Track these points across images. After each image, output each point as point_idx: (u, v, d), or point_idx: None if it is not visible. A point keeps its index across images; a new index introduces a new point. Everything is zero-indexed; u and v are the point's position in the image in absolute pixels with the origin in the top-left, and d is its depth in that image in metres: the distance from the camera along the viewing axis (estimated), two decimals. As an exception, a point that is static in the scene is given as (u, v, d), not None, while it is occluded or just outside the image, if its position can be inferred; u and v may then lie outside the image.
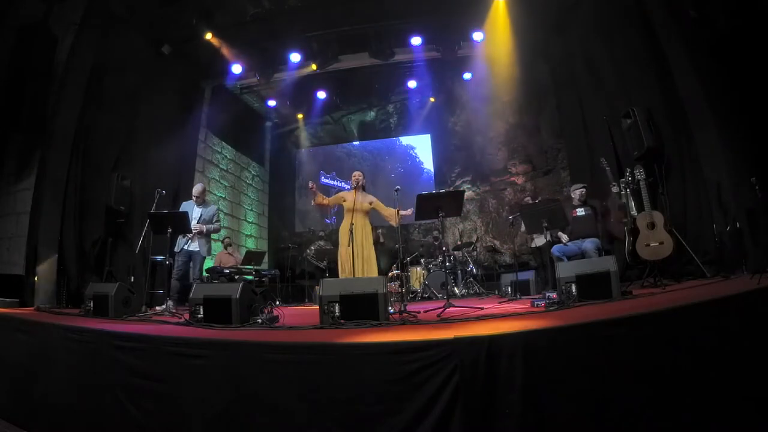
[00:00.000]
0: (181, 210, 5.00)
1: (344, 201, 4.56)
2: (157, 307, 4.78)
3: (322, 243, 8.19)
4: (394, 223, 4.48)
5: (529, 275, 5.64)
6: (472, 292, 6.85)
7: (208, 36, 6.73)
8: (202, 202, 5.29)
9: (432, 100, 9.96)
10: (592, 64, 5.80)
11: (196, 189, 5.34)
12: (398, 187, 4.43)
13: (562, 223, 4.32)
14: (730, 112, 3.99)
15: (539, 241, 6.00)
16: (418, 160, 10.62)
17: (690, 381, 1.69)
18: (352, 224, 4.35)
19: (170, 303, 4.73)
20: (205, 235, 5.19)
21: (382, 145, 10.96)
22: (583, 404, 1.70)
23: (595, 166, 5.95)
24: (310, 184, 4.58)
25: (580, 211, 4.50)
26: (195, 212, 5.17)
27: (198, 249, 5.10)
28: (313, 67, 8.02)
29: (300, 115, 10.31)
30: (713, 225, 4.18)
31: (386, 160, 10.87)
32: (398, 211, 4.37)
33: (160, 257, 5.42)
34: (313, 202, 4.65)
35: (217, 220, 5.34)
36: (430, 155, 10.45)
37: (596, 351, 1.76)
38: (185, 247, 5.01)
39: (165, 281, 5.26)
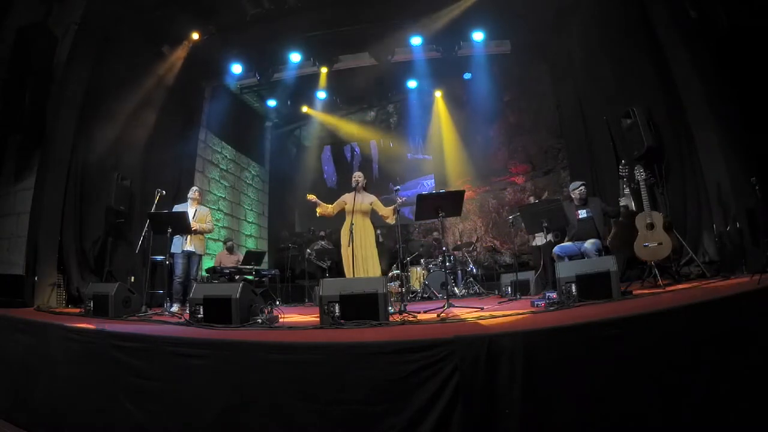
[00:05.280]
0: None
1: (345, 204, 4.58)
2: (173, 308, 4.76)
3: (323, 243, 8.17)
4: (391, 221, 4.50)
5: (529, 275, 5.64)
6: (472, 292, 6.84)
7: (195, 36, 6.78)
8: (196, 203, 5.32)
9: (439, 93, 9.84)
10: (591, 64, 5.79)
11: (192, 191, 5.42)
12: (398, 187, 4.43)
13: (562, 223, 4.31)
14: (730, 112, 3.98)
15: (539, 240, 5.99)
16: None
17: (690, 380, 1.69)
18: (352, 224, 4.36)
19: (176, 305, 4.73)
20: (199, 233, 5.19)
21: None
22: (583, 404, 1.70)
23: (596, 166, 5.96)
24: (308, 197, 4.56)
25: (582, 213, 4.48)
26: (189, 213, 5.16)
27: (194, 249, 5.13)
28: (324, 70, 8.01)
29: (308, 109, 10.17)
30: (713, 225, 4.18)
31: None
32: (394, 208, 4.37)
33: (160, 257, 5.41)
34: (318, 214, 4.66)
35: (209, 220, 5.36)
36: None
37: (596, 351, 1.76)
38: (184, 248, 5.01)
39: (165, 281, 5.26)
